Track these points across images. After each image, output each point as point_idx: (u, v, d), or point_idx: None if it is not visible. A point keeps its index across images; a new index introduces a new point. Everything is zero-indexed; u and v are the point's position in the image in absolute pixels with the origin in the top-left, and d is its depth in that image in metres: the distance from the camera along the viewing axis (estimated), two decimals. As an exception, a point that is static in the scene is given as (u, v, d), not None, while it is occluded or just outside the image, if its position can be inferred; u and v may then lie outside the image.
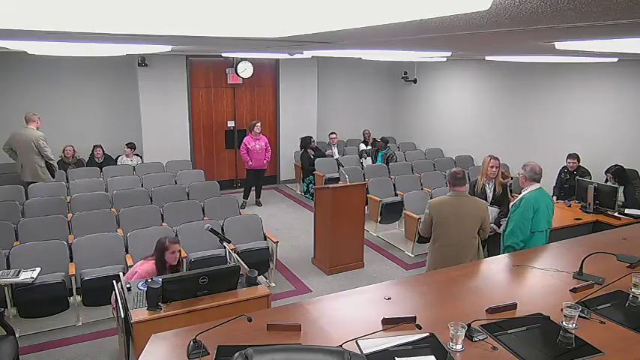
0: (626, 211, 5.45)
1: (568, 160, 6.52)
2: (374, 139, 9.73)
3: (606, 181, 6.01)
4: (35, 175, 6.50)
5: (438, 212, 3.96)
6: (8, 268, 4.33)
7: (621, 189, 5.75)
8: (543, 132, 7.76)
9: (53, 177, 6.72)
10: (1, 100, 7.98)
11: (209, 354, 2.16)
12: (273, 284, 5.33)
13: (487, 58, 6.38)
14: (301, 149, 9.11)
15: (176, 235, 5.08)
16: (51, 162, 6.59)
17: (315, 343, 2.24)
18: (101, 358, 4.03)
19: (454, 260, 3.72)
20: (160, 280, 3.09)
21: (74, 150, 7.98)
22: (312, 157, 8.86)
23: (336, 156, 9.21)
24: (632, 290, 2.70)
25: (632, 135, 6.58)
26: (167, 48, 4.33)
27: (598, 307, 2.56)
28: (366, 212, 6.20)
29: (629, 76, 6.58)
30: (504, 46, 3.42)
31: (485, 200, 4.68)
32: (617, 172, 5.83)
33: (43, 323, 4.38)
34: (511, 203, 4.28)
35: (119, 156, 8.45)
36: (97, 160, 8.11)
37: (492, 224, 4.57)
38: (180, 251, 3.81)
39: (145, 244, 4.89)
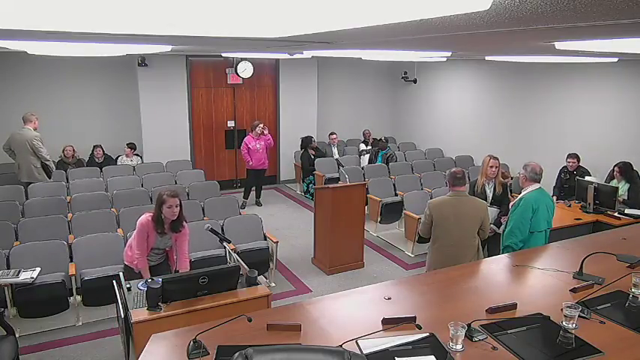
0: (626, 211, 5.45)
1: (568, 160, 6.53)
2: (374, 139, 9.73)
3: (611, 178, 6.01)
4: (31, 175, 6.49)
5: (438, 212, 3.96)
6: (8, 268, 4.32)
7: (626, 187, 5.75)
8: (543, 132, 7.76)
9: (49, 177, 6.70)
10: (1, 100, 7.98)
11: (209, 354, 2.16)
12: (273, 284, 5.33)
13: (487, 58, 6.38)
14: (302, 149, 9.11)
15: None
16: (47, 162, 6.57)
17: (315, 343, 2.24)
18: (101, 358, 4.03)
19: (454, 260, 3.72)
20: (160, 280, 3.09)
21: (74, 150, 7.98)
22: (312, 157, 8.86)
23: (336, 156, 9.21)
24: (632, 290, 2.70)
25: (632, 135, 6.58)
26: (167, 48, 4.33)
27: (598, 307, 2.56)
28: (366, 212, 6.20)
29: (629, 76, 6.58)
30: (504, 46, 3.42)
31: (485, 200, 4.68)
32: (625, 167, 5.82)
33: (43, 323, 4.38)
34: (511, 203, 4.28)
35: (119, 156, 8.45)
36: (97, 160, 8.11)
37: (492, 224, 4.57)
38: (180, 206, 3.66)
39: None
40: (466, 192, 4.09)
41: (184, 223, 3.83)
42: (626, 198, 5.71)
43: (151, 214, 3.71)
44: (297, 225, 7.48)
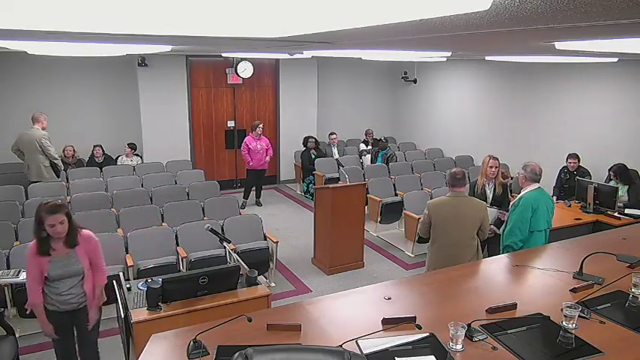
0: (626, 211, 5.45)
1: (569, 160, 6.52)
2: (374, 138, 9.72)
3: (609, 179, 6.01)
4: (40, 174, 6.51)
5: (437, 213, 3.96)
6: (8, 268, 4.32)
7: (625, 188, 5.74)
8: (543, 132, 7.76)
9: (58, 176, 6.73)
10: (1, 101, 7.98)
11: (209, 354, 2.16)
12: (273, 284, 5.33)
13: (487, 58, 6.38)
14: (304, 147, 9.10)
15: (176, 236, 5.08)
16: (55, 161, 6.60)
17: (315, 343, 2.24)
18: (101, 358, 4.02)
19: (453, 261, 3.72)
20: (160, 280, 3.09)
21: (74, 150, 7.98)
22: (312, 156, 8.85)
23: (336, 156, 9.21)
24: (632, 290, 2.70)
25: (632, 135, 6.58)
26: (167, 48, 4.33)
27: (598, 307, 2.56)
28: (366, 212, 6.20)
29: (629, 76, 6.58)
30: (504, 46, 3.42)
31: (485, 201, 4.68)
32: (619, 171, 5.81)
33: (43, 323, 4.37)
34: (511, 203, 4.28)
35: (119, 156, 8.45)
36: (97, 160, 8.11)
37: (492, 225, 4.56)
38: (65, 221, 2.94)
39: (144, 244, 4.90)
40: (466, 192, 4.08)
41: (82, 232, 3.13)
42: (626, 200, 5.70)
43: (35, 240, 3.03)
44: (297, 225, 7.47)
